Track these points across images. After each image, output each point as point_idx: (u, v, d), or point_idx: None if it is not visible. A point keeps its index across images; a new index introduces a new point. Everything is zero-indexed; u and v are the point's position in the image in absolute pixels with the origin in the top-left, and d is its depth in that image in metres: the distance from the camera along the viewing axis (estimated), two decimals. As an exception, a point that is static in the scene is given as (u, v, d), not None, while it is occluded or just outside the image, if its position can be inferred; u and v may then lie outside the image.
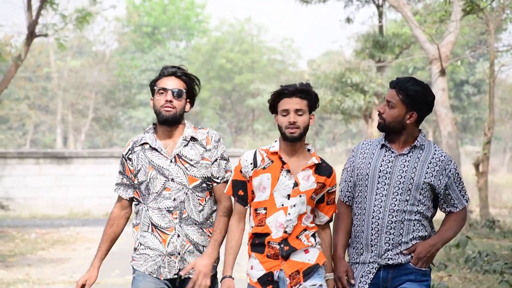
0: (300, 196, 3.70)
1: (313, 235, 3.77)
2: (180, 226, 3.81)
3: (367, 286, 3.78)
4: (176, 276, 3.82)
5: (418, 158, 3.81)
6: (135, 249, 3.91)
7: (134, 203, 3.95)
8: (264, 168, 3.74)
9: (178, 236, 3.81)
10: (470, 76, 39.63)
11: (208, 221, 3.89)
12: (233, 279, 3.74)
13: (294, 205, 3.69)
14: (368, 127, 20.15)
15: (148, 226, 3.84)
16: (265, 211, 3.73)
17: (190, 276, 3.80)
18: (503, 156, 43.52)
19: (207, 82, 40.32)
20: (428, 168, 3.78)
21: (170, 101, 3.79)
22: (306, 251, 3.73)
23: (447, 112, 14.21)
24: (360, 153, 3.92)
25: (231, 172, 3.87)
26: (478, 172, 14.47)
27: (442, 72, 14.14)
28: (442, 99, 14.18)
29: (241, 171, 3.77)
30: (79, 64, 41.74)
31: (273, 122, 37.32)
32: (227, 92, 40.57)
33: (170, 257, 3.82)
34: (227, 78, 40.37)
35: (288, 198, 3.69)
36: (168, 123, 3.82)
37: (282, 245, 3.69)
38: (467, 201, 3.89)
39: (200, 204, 3.85)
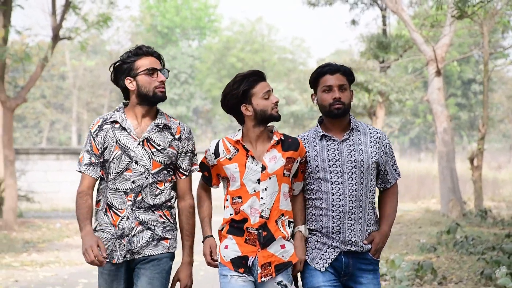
0: (270, 178, 3.72)
1: (289, 224, 3.80)
2: (131, 209, 3.74)
3: (327, 265, 3.81)
4: (127, 258, 3.76)
5: (359, 139, 3.85)
6: (94, 229, 3.83)
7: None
8: (230, 159, 3.76)
9: (128, 218, 3.74)
10: (477, 75, 40.28)
11: (164, 205, 3.82)
12: (213, 238, 3.83)
13: (265, 189, 3.72)
14: (372, 123, 21.06)
15: (104, 206, 3.79)
16: (240, 200, 3.74)
17: (139, 256, 3.75)
18: (510, 153, 44.16)
19: (218, 81, 41.24)
20: (371, 147, 3.84)
21: (163, 81, 3.78)
22: (282, 246, 3.74)
23: (443, 109, 15.15)
24: None
25: (197, 165, 3.90)
26: (472, 166, 15.39)
27: (438, 73, 15.07)
28: (438, 97, 15.12)
29: (205, 157, 3.85)
30: (94, 64, 42.73)
31: (284, 120, 37.61)
32: (238, 90, 41.35)
33: (120, 240, 3.75)
34: (238, 77, 41.10)
35: (259, 183, 3.72)
36: (156, 103, 3.81)
37: (260, 231, 3.71)
38: (399, 175, 3.99)
39: (157, 188, 3.78)
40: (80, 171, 3.79)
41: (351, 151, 3.82)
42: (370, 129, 3.90)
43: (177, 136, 3.82)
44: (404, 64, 27.32)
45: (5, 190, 15.06)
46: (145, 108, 3.79)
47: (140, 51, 3.78)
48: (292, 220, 3.83)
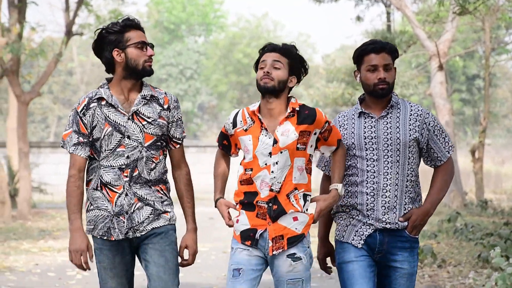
0: (282, 152, 3.65)
1: (304, 197, 3.70)
2: (129, 184, 3.68)
3: (363, 242, 3.74)
4: (129, 235, 3.69)
5: (397, 117, 3.78)
6: (87, 210, 3.78)
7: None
8: (246, 130, 3.73)
9: (126, 195, 3.68)
10: (481, 71, 40.48)
11: (159, 180, 3.77)
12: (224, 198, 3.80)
13: (276, 162, 3.64)
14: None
15: (98, 184, 3.71)
16: (251, 172, 3.70)
17: (142, 234, 3.70)
18: (514, 148, 44.48)
19: (224, 76, 41.62)
20: (410, 124, 3.76)
21: (152, 56, 3.73)
22: (295, 218, 3.66)
23: (445, 103, 15.61)
24: (340, 126, 3.86)
25: (185, 134, 3.86)
26: (474, 158, 15.86)
27: (440, 67, 15.52)
28: (440, 91, 15.57)
29: (225, 126, 3.82)
30: (101, 59, 43.11)
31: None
32: (244, 86, 41.84)
33: (118, 217, 3.68)
34: (244, 73, 41.52)
35: (270, 156, 3.65)
36: (144, 77, 3.75)
37: (270, 204, 3.64)
38: (449, 152, 3.86)
39: (153, 162, 3.72)
40: (69, 152, 3.71)
41: (387, 128, 3.76)
42: (411, 106, 3.82)
43: (165, 106, 3.75)
44: (408, 59, 27.70)
45: (20, 182, 15.56)
46: (132, 82, 3.71)
47: (129, 22, 3.68)
48: (309, 193, 3.71)
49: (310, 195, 3.73)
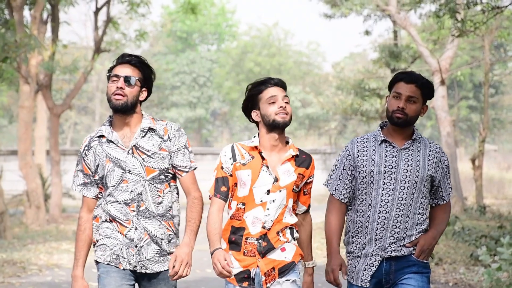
0: (280, 191, 3.67)
1: (290, 230, 3.75)
2: (137, 219, 3.70)
3: (370, 278, 3.78)
4: (135, 268, 3.71)
5: (418, 151, 3.82)
6: (94, 244, 3.76)
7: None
8: (244, 164, 3.69)
9: (136, 228, 3.70)
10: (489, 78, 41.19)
11: (168, 214, 3.76)
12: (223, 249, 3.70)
13: (273, 200, 3.66)
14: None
15: (107, 218, 3.73)
16: (243, 206, 3.68)
17: (147, 271, 3.72)
18: (520, 155, 45.17)
19: (236, 84, 42.69)
20: (429, 160, 3.81)
21: (121, 88, 3.64)
22: (282, 249, 3.70)
23: (446, 115, 16.75)
24: (358, 151, 3.85)
25: (195, 162, 3.83)
26: (474, 166, 16.96)
27: (442, 82, 16.69)
28: (442, 104, 16.73)
29: (222, 168, 3.73)
30: (117, 67, 44.16)
31: (300, 122, 38.93)
32: (256, 93, 42.72)
33: (128, 249, 3.70)
34: (256, 81, 42.41)
35: (268, 194, 3.66)
36: (118, 111, 3.69)
37: (260, 241, 3.66)
38: (450, 194, 3.95)
39: (159, 196, 3.72)
40: (75, 190, 3.81)
41: (408, 161, 3.80)
42: (430, 143, 3.90)
43: (165, 137, 3.75)
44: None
45: (52, 188, 16.78)
46: (122, 116, 3.73)
47: (119, 59, 3.73)
48: (293, 227, 3.78)
49: (294, 229, 3.79)
